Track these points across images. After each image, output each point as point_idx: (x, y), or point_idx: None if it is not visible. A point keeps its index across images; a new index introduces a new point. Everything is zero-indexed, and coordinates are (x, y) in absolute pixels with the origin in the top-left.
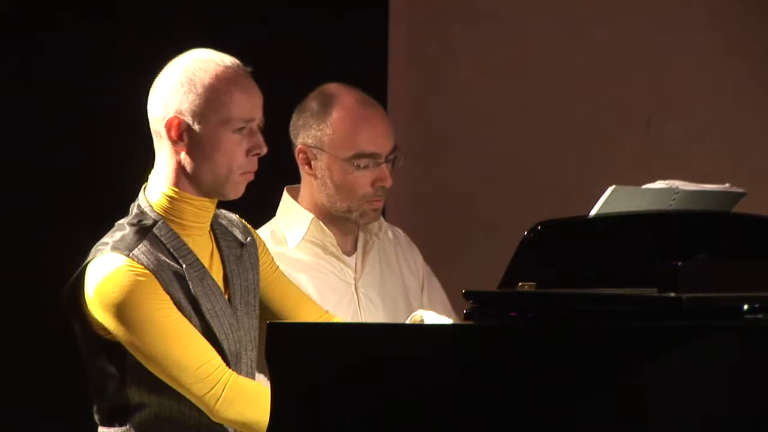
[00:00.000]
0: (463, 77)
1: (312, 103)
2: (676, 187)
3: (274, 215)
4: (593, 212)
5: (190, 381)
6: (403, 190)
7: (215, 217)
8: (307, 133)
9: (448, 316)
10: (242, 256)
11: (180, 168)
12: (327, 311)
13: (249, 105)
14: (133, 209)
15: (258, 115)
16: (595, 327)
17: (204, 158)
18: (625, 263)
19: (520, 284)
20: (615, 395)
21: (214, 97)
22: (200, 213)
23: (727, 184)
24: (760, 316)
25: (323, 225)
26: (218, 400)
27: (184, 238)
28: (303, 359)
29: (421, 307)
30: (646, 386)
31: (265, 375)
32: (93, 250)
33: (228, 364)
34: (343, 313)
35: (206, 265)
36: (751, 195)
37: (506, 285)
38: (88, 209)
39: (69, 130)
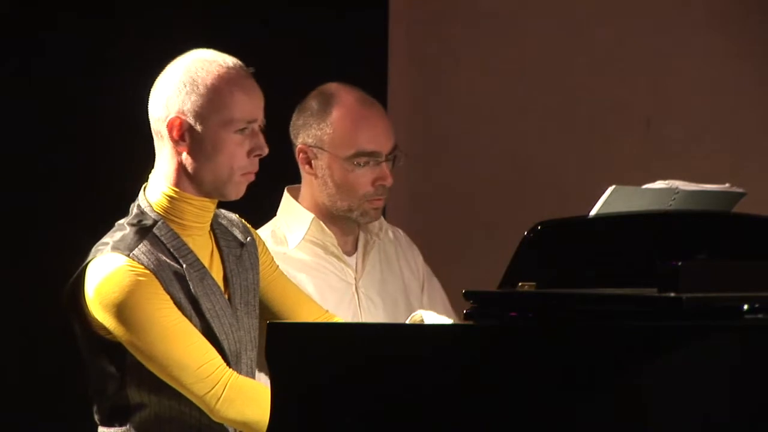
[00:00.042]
0: (463, 77)
1: (312, 103)
2: (676, 187)
3: (275, 215)
4: (593, 212)
5: (191, 381)
6: (403, 190)
7: (215, 217)
8: (308, 133)
9: (448, 316)
10: (242, 256)
11: (181, 168)
12: (327, 311)
13: (251, 106)
14: (133, 209)
15: (259, 116)
16: (595, 327)
17: (205, 158)
18: (625, 263)
19: (520, 284)
20: (615, 395)
21: (216, 98)
22: (200, 213)
23: (727, 184)
24: (760, 316)
25: (324, 225)
26: (219, 399)
27: (184, 238)
28: (303, 359)
29: (421, 307)
30: (646, 386)
31: (266, 374)
32: (93, 250)
33: (228, 363)
34: (343, 313)
35: (206, 265)
36: (751, 195)
37: (506, 285)
38: (88, 209)
39: (69, 130)
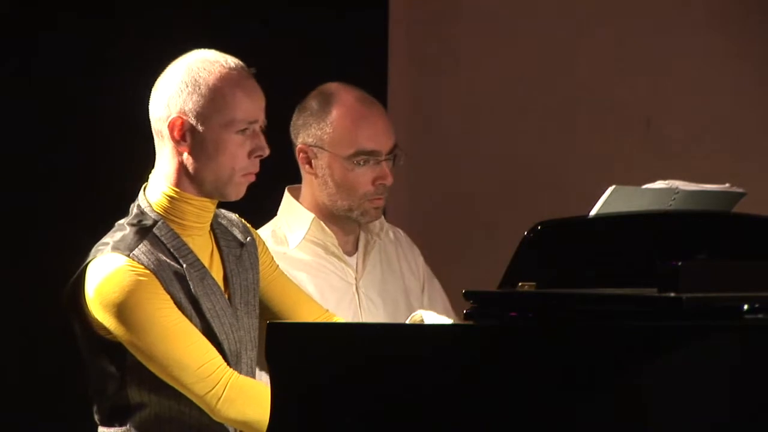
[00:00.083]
0: (463, 77)
1: (312, 103)
2: (676, 187)
3: (275, 215)
4: (593, 212)
5: (192, 380)
6: (403, 190)
7: (215, 216)
8: (308, 132)
9: (448, 316)
10: (242, 256)
11: (182, 168)
12: (327, 310)
13: (252, 107)
14: (133, 209)
15: (261, 117)
16: (595, 327)
17: (207, 159)
18: (625, 263)
19: (520, 284)
20: (615, 395)
21: (218, 99)
22: (200, 213)
23: (727, 184)
24: (760, 316)
25: (324, 225)
26: (219, 399)
27: (185, 238)
28: (303, 359)
29: (422, 307)
30: (646, 386)
31: (267, 373)
32: (93, 250)
33: (228, 363)
34: (343, 313)
35: (206, 265)
36: (751, 195)
37: (506, 285)
38: (88, 209)
39: (69, 130)
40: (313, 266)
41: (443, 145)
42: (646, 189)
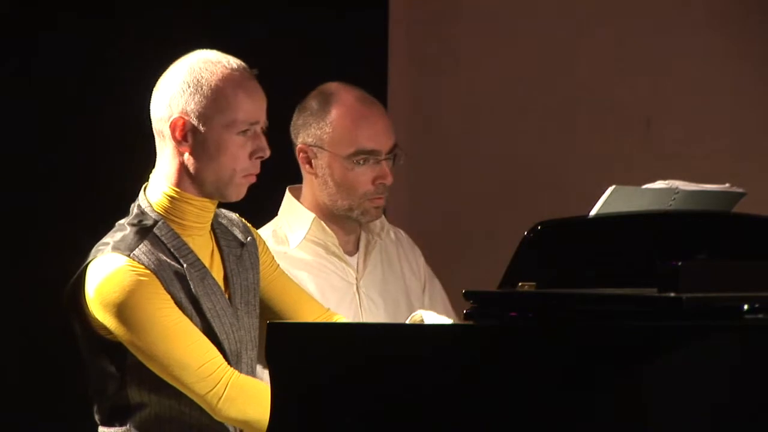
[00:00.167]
0: (463, 77)
1: (312, 102)
2: (676, 187)
3: (276, 215)
4: (593, 212)
5: (192, 380)
6: (403, 190)
7: (215, 216)
8: (308, 132)
9: (449, 316)
10: (242, 256)
11: (182, 168)
12: (328, 309)
13: (254, 108)
14: (134, 209)
15: (262, 118)
16: (595, 327)
17: (208, 159)
18: (625, 263)
19: (520, 284)
20: (615, 395)
21: (220, 99)
22: (201, 213)
23: (727, 184)
24: (760, 316)
25: (325, 224)
26: (220, 398)
27: (185, 238)
28: (303, 359)
29: (422, 308)
30: (646, 386)
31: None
32: (93, 250)
33: (228, 363)
34: (344, 313)
35: (207, 264)
36: (751, 195)
37: (506, 285)
38: (88, 209)
39: (69, 130)
40: (313, 266)
41: (443, 145)
42: (646, 189)
